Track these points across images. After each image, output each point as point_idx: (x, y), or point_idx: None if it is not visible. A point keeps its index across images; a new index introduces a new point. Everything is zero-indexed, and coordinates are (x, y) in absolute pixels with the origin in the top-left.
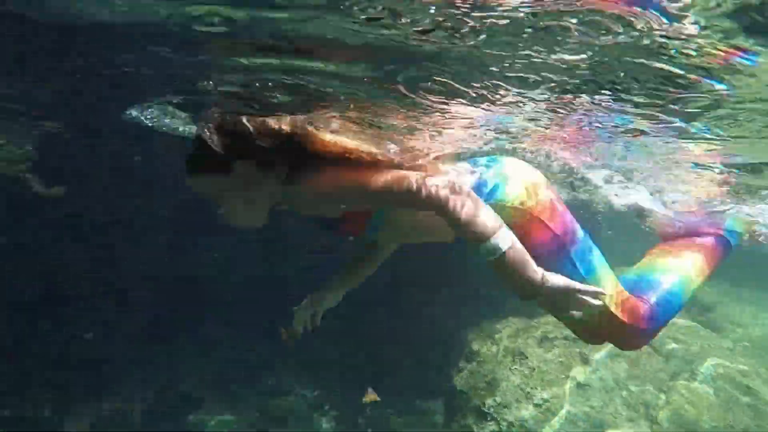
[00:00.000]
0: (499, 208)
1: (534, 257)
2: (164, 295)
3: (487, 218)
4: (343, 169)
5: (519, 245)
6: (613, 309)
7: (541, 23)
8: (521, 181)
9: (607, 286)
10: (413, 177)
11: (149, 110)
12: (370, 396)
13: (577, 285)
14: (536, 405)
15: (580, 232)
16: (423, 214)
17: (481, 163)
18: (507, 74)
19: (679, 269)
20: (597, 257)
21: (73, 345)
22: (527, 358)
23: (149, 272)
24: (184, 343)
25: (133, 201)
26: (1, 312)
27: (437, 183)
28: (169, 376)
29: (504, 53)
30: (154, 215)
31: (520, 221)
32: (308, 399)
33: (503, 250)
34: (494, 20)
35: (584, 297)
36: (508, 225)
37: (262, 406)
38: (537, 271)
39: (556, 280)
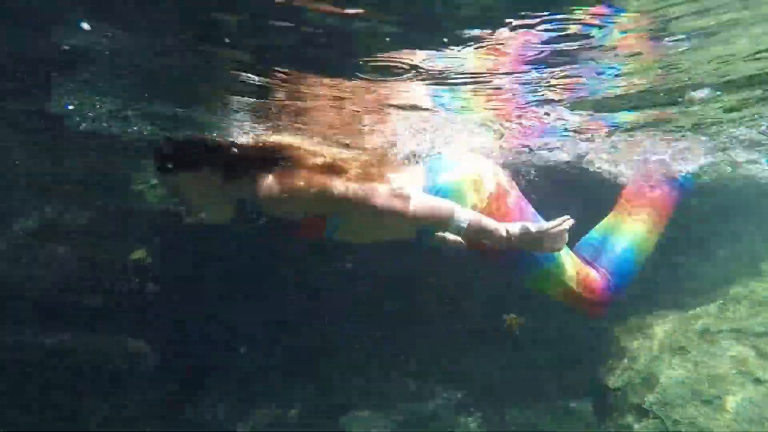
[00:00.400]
0: (456, 191)
1: (492, 256)
2: (316, 308)
3: (438, 207)
4: (307, 174)
5: (476, 215)
6: (574, 287)
7: None
8: (466, 181)
9: (568, 268)
10: (371, 189)
11: None
12: (514, 320)
13: (541, 227)
14: (706, 402)
15: (533, 219)
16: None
17: (427, 168)
18: None
19: (632, 232)
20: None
21: (237, 357)
22: (689, 352)
23: (298, 288)
24: (334, 351)
25: None
26: (175, 329)
27: (388, 192)
28: (320, 383)
29: None
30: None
31: (484, 204)
32: (452, 401)
33: (465, 226)
34: None
35: (550, 236)
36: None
37: (408, 410)
38: (500, 228)
39: (519, 230)
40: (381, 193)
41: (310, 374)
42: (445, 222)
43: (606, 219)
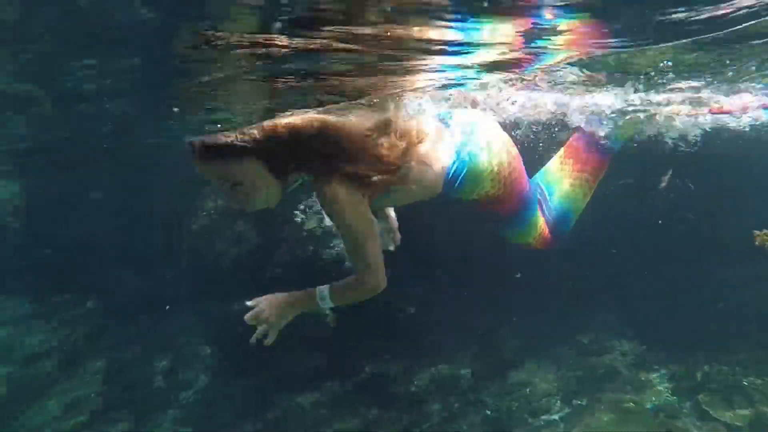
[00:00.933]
0: (475, 181)
1: (505, 214)
2: (480, 267)
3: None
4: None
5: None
6: (534, 243)
7: None
8: (488, 170)
9: (536, 229)
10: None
11: None
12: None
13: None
14: None
15: (527, 186)
16: (417, 187)
17: (450, 124)
18: None
19: (571, 194)
20: (536, 197)
21: (408, 317)
22: None
23: (463, 249)
24: (503, 308)
25: None
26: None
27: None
28: (490, 339)
29: None
30: None
31: (489, 203)
32: (632, 357)
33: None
34: None
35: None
36: (484, 194)
37: (583, 365)
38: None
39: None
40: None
41: (478, 331)
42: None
43: (552, 166)
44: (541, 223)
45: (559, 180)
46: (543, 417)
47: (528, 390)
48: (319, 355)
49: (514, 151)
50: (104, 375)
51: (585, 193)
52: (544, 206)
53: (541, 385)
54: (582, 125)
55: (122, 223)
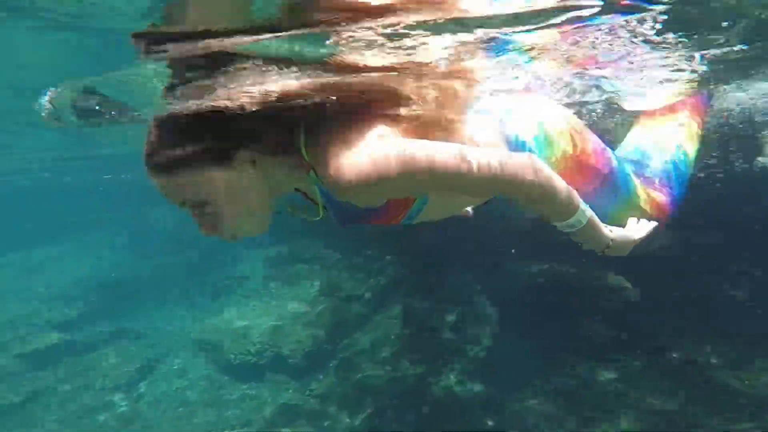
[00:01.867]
0: (549, 139)
1: (584, 198)
2: None
3: (566, 191)
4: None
5: (592, 212)
6: (648, 210)
7: None
8: (557, 127)
9: (640, 192)
10: (490, 155)
11: None
12: None
13: (637, 236)
14: None
15: (611, 155)
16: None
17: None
18: None
19: (674, 139)
20: (629, 171)
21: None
22: None
23: None
24: None
25: None
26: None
27: (513, 157)
28: None
29: None
30: None
31: (565, 170)
32: None
33: (585, 222)
34: None
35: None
36: (562, 157)
37: None
38: (606, 234)
39: (620, 233)
40: (533, 169)
41: None
42: (568, 213)
43: (638, 129)
44: (645, 198)
45: (654, 132)
46: None
47: None
48: (616, 328)
49: (570, 113)
50: (401, 320)
51: (690, 135)
52: (642, 172)
53: None
54: None
55: None
